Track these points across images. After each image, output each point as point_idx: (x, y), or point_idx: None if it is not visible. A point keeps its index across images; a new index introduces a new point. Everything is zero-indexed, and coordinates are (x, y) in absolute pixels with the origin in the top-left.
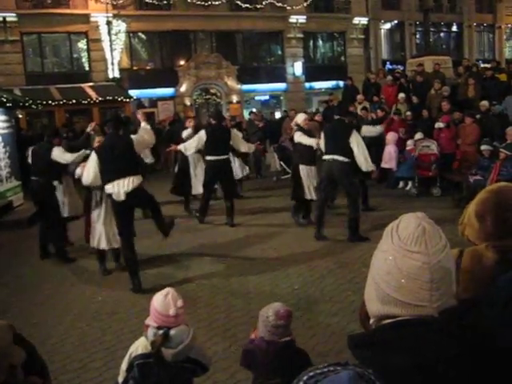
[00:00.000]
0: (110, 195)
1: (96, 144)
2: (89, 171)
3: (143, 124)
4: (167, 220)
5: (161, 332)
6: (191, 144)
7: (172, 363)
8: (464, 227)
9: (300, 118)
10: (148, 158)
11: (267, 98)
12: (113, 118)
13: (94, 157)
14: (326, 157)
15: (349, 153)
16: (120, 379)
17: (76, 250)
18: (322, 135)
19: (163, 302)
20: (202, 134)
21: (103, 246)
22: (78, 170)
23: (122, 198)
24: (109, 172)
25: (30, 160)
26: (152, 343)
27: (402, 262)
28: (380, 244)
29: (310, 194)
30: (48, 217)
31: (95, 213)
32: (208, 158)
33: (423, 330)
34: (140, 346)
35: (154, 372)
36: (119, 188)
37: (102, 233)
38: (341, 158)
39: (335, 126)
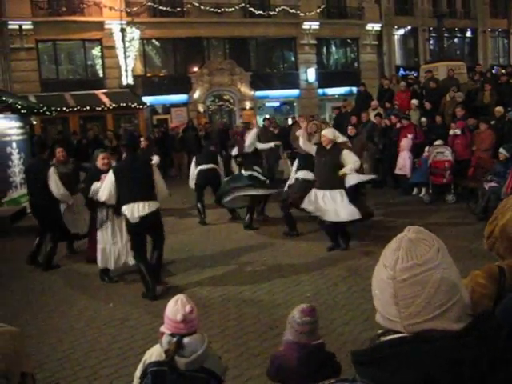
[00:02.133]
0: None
1: (100, 161)
2: (104, 189)
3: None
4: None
5: (174, 340)
6: None
7: (185, 372)
8: (493, 242)
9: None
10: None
11: (280, 104)
12: (128, 139)
13: (111, 176)
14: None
15: None
16: None
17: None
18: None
19: (173, 307)
20: None
21: (111, 266)
22: (96, 186)
23: (136, 221)
24: (125, 194)
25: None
26: (166, 351)
27: (377, 273)
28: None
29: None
30: (53, 232)
31: (100, 233)
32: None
33: (430, 347)
34: (154, 353)
35: (167, 380)
36: (133, 211)
37: (109, 253)
38: None
39: None
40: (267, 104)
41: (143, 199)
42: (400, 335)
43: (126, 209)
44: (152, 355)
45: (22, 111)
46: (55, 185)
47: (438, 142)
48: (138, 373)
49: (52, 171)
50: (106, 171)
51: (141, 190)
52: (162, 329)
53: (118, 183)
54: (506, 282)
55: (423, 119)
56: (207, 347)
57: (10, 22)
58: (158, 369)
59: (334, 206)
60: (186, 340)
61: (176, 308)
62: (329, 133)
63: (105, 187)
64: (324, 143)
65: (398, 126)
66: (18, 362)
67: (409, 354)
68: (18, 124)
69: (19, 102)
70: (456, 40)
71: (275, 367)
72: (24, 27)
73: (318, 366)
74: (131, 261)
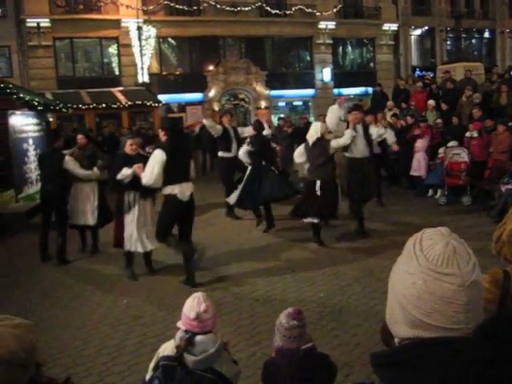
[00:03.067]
0: (169, 195)
1: (129, 147)
2: (153, 171)
3: None
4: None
5: (186, 336)
6: None
7: (194, 370)
8: (501, 246)
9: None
10: None
11: (296, 103)
12: (171, 123)
13: (161, 156)
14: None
15: None
16: (147, 377)
17: (101, 254)
18: None
19: (189, 304)
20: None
21: (139, 249)
22: (127, 171)
23: (187, 199)
24: (174, 174)
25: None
26: (177, 347)
27: (435, 286)
28: (401, 263)
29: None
30: (62, 223)
31: (128, 216)
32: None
33: (450, 348)
34: (168, 347)
35: (176, 375)
36: (184, 191)
37: (136, 236)
38: None
39: None
40: (280, 104)
41: (188, 180)
42: (428, 336)
43: (176, 188)
44: (166, 349)
45: (39, 108)
46: (75, 169)
47: (451, 144)
48: (151, 364)
49: (67, 159)
50: (135, 156)
51: (187, 170)
52: (179, 324)
53: (168, 163)
54: (510, 287)
55: (438, 120)
56: (219, 349)
57: (28, 20)
58: (168, 363)
59: None
60: (197, 338)
61: (192, 305)
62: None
63: (153, 168)
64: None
65: (417, 132)
66: (34, 352)
67: (434, 356)
68: (34, 121)
69: (36, 99)
70: (474, 41)
71: (269, 374)
72: (42, 25)
73: (312, 370)
74: (151, 245)
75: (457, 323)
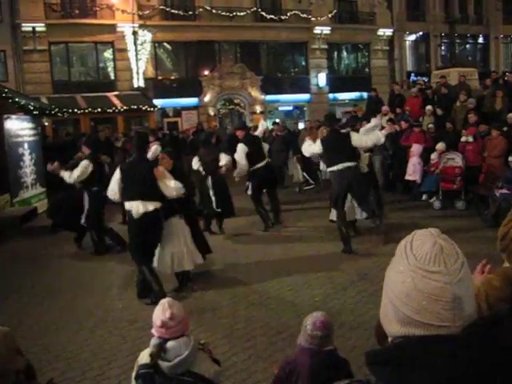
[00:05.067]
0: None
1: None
2: (112, 185)
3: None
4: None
5: (157, 343)
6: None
7: (172, 375)
8: (508, 244)
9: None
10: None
11: (291, 108)
12: (138, 138)
13: (117, 173)
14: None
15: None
16: None
17: (97, 258)
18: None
19: (156, 311)
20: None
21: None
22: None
23: (136, 217)
24: (127, 192)
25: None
26: (150, 354)
27: (422, 284)
28: (393, 263)
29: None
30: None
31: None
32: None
33: (443, 346)
34: (145, 355)
35: (155, 382)
36: (132, 209)
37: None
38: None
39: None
40: (280, 108)
41: (141, 199)
42: (421, 334)
43: (127, 204)
44: (143, 357)
45: (34, 112)
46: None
47: (439, 146)
48: (133, 374)
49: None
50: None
51: (140, 190)
52: (152, 331)
53: (122, 181)
54: None
55: (430, 125)
56: (192, 351)
57: (23, 24)
58: (146, 371)
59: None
60: (169, 344)
61: (158, 313)
62: None
63: (112, 182)
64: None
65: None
66: (11, 360)
67: (430, 354)
68: (30, 125)
69: (31, 103)
70: (468, 46)
71: (286, 373)
72: (37, 29)
73: (332, 373)
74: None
75: (444, 320)
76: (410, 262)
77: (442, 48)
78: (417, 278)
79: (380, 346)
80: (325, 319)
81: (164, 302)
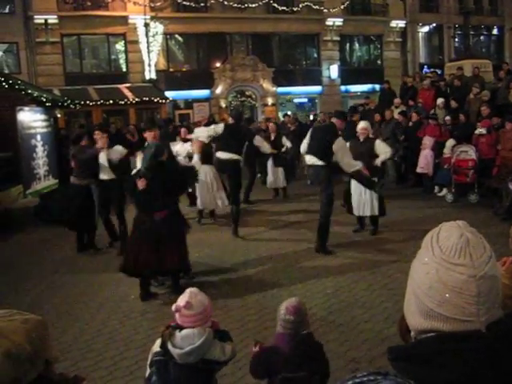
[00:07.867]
0: None
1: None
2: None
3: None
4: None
5: (169, 330)
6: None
7: (183, 363)
8: None
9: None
10: None
11: (302, 100)
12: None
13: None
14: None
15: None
16: (146, 374)
17: (108, 250)
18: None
19: (180, 296)
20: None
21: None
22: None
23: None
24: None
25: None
26: (162, 341)
27: (446, 276)
28: (419, 255)
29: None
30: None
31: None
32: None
33: (468, 344)
34: (158, 342)
35: (170, 368)
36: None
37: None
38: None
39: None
40: (291, 100)
41: None
42: (446, 332)
43: None
44: (157, 345)
45: (47, 104)
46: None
47: (449, 143)
48: (148, 361)
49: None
50: None
51: None
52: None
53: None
54: None
55: (447, 118)
56: (206, 342)
57: (35, 17)
58: (159, 358)
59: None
60: (183, 332)
61: (180, 297)
62: (367, 125)
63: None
64: (361, 135)
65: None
66: (44, 348)
67: (454, 352)
68: (42, 117)
69: (44, 95)
70: (482, 37)
71: (262, 362)
72: (49, 21)
73: (310, 355)
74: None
75: (467, 315)
76: (436, 253)
77: (456, 40)
78: (441, 270)
79: (403, 340)
80: (297, 304)
81: (188, 291)
